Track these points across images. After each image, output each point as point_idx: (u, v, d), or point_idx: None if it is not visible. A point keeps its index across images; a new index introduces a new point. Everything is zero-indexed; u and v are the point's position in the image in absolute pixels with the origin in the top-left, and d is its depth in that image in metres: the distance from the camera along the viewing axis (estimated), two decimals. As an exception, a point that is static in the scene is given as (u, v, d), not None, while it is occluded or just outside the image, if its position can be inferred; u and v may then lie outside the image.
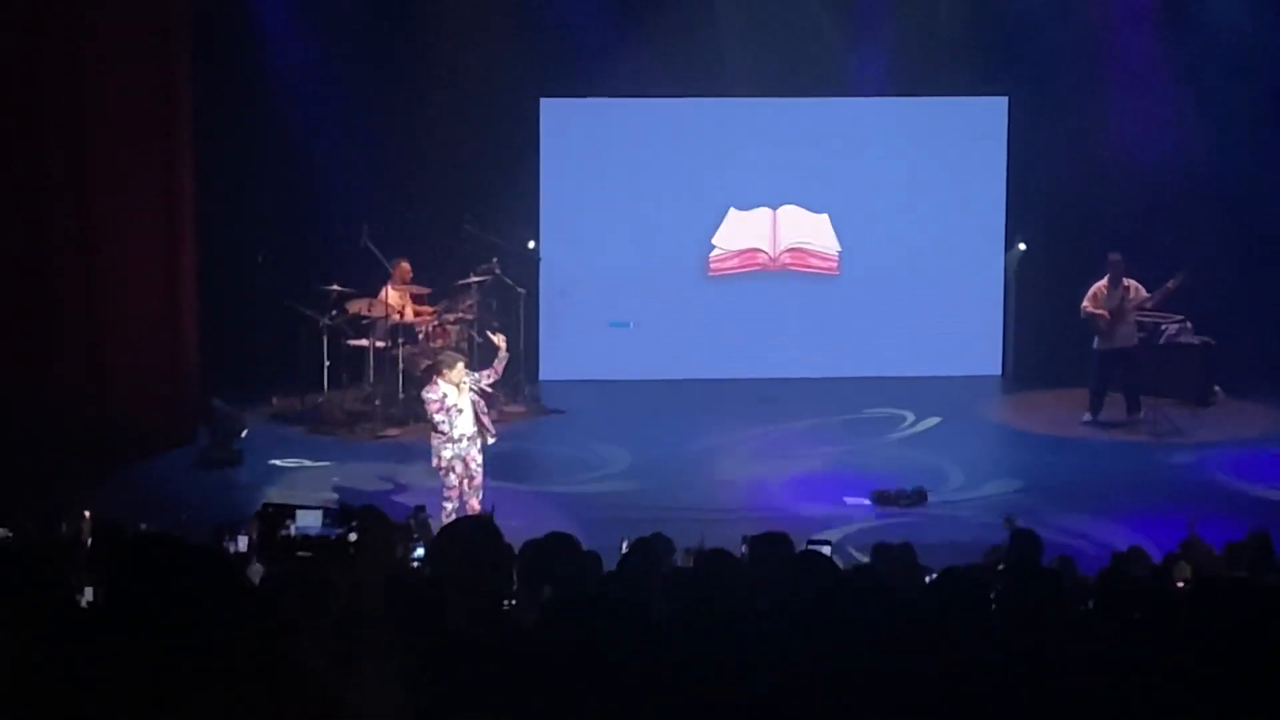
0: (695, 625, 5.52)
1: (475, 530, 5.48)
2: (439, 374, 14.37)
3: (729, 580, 6.78)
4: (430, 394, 14.24)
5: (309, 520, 11.71)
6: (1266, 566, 10.31)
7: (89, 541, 11.52)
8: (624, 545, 9.62)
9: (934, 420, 18.84)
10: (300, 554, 9.68)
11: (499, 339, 14.86)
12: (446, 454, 14.15)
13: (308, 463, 16.87)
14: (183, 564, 4.74)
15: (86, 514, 12.10)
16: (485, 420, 14.31)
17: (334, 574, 6.86)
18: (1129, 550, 11.39)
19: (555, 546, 7.22)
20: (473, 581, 5.26)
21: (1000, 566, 10.20)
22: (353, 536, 11.01)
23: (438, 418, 14.14)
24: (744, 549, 10.74)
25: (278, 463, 16.91)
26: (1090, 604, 8.10)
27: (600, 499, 15.76)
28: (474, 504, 14.14)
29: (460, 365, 14.38)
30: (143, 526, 12.12)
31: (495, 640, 5.18)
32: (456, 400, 14.17)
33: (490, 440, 14.32)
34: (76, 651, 4.77)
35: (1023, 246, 20.88)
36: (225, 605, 5.00)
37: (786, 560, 7.15)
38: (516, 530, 8.58)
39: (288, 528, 11.51)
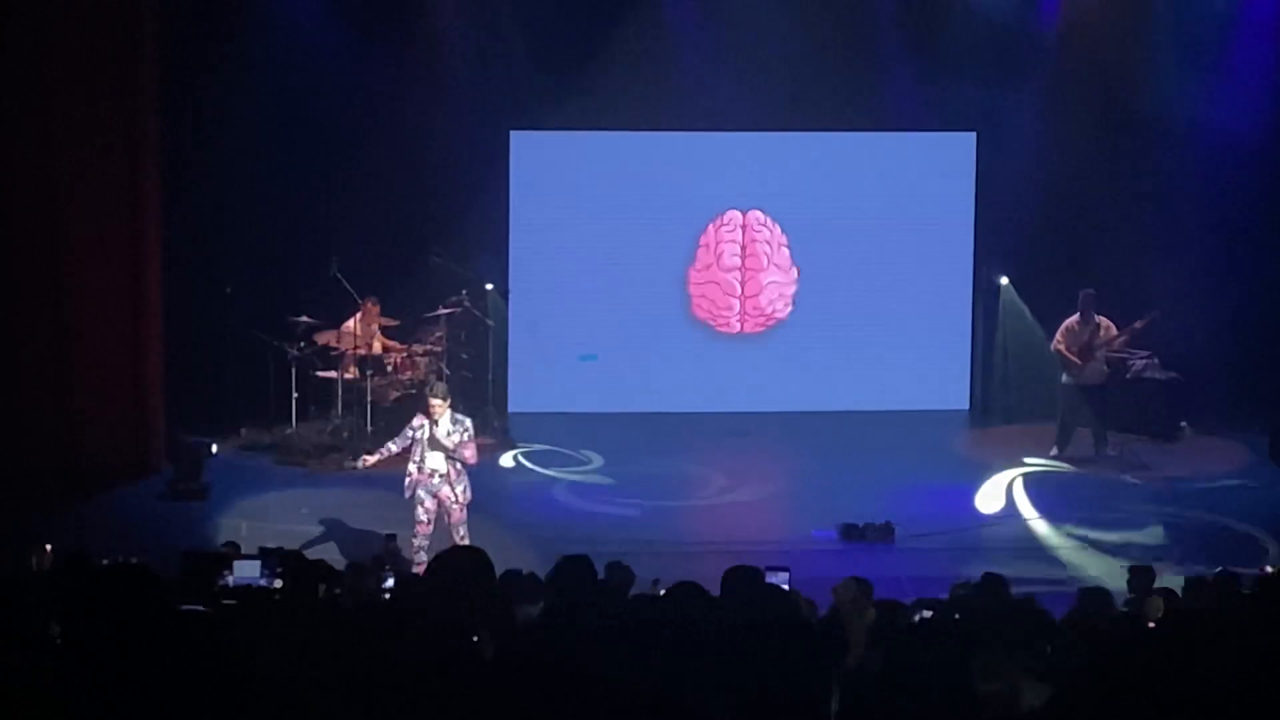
0: (663, 656, 5.53)
1: (467, 561, 5.49)
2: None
3: (698, 612, 6.78)
4: (415, 419, 14.32)
5: (247, 570, 11.62)
6: (1230, 600, 10.32)
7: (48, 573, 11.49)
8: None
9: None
10: (225, 602, 9.62)
11: (470, 451, 14.61)
12: (411, 475, 14.23)
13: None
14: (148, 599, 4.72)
15: (48, 547, 12.06)
16: (453, 475, 14.27)
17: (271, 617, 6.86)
18: (1090, 589, 11.40)
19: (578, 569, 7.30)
20: (461, 611, 5.28)
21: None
22: (278, 584, 10.98)
23: (408, 433, 14.29)
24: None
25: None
26: (1058, 643, 8.11)
27: (567, 530, 15.72)
28: (458, 538, 14.13)
29: (436, 401, 14.30)
30: (104, 561, 12.09)
31: (463, 670, 5.19)
32: (429, 434, 14.19)
33: (457, 508, 14.32)
34: (50, 685, 4.75)
35: (1005, 280, 20.83)
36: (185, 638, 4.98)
37: (757, 593, 7.15)
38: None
39: (225, 577, 11.42)
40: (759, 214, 21.09)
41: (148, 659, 4.73)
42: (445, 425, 14.27)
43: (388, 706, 5.26)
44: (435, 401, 14.31)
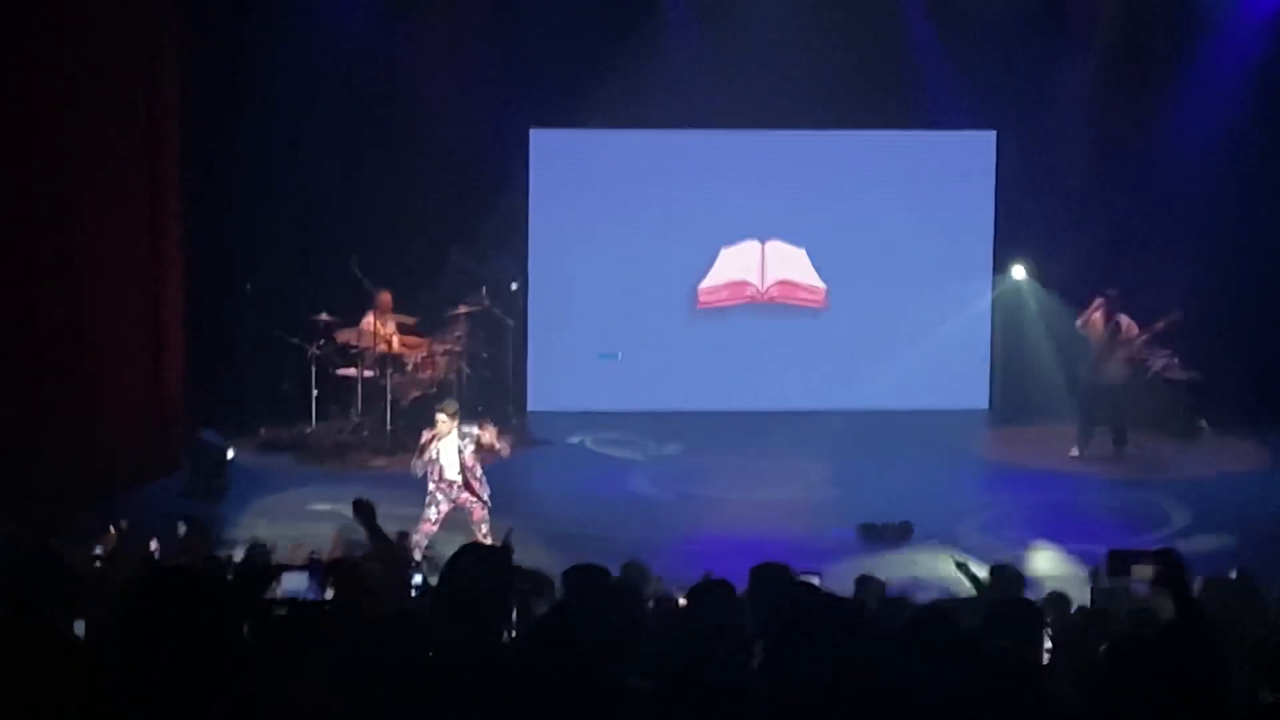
0: (690, 653, 5.54)
1: (487, 557, 5.50)
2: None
3: (724, 608, 6.78)
4: (426, 441, 14.34)
5: (294, 582, 11.55)
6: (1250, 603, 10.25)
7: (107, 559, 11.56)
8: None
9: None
10: (278, 612, 9.58)
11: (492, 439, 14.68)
12: (430, 484, 14.28)
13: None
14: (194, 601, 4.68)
15: (113, 530, 12.14)
16: (475, 486, 14.29)
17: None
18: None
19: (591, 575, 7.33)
20: (478, 608, 5.28)
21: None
22: (328, 594, 10.92)
23: (426, 459, 14.32)
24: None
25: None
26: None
27: (585, 529, 15.74)
28: (480, 535, 14.17)
29: (441, 416, 14.33)
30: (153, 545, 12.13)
31: (490, 667, 5.19)
32: (438, 445, 14.21)
33: (478, 506, 14.33)
34: (69, 687, 4.73)
35: (1021, 272, 20.75)
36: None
37: (786, 589, 7.14)
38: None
39: (273, 589, 11.36)
40: (778, 244, 21.10)
41: (190, 664, 4.70)
42: (454, 440, 14.33)
43: (415, 708, 5.26)
44: (440, 418, 14.42)
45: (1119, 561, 11.10)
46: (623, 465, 18.55)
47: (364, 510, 10.39)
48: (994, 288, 21.09)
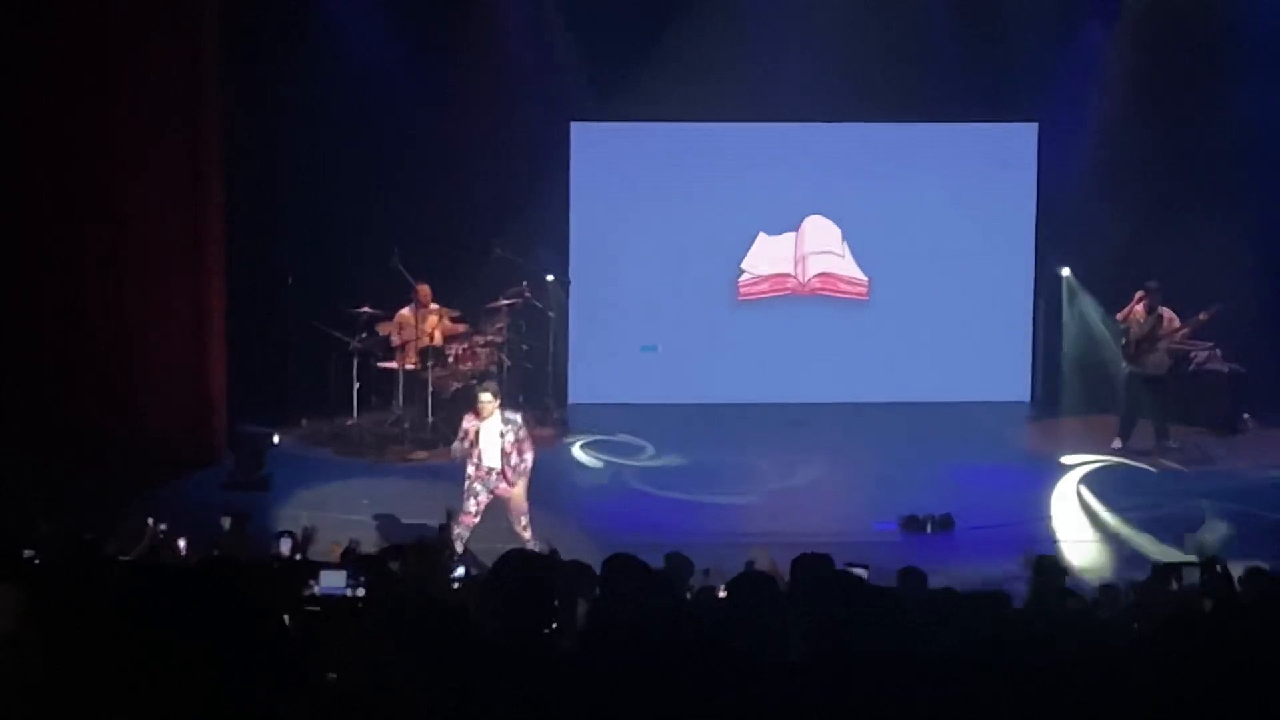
0: (733, 644, 5.54)
1: (531, 564, 5.51)
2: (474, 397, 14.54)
3: (767, 601, 6.77)
4: (465, 421, 14.37)
5: (333, 580, 11.57)
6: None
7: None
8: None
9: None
10: (309, 609, 9.60)
11: (527, 453, 14.59)
12: (470, 471, 14.28)
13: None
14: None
15: (150, 521, 12.19)
16: (509, 473, 14.27)
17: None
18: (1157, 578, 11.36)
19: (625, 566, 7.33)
20: (520, 610, 5.29)
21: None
22: (360, 591, 10.95)
23: (464, 442, 14.32)
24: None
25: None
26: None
27: (624, 521, 15.74)
28: (525, 536, 14.16)
29: (485, 397, 14.33)
30: (181, 544, 12.17)
31: (533, 666, 5.19)
32: (479, 430, 14.23)
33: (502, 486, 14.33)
34: (118, 670, 4.75)
35: (1066, 271, 20.68)
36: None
37: (828, 581, 7.13)
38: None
39: (310, 587, 11.39)
40: (819, 232, 21.07)
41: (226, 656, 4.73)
42: (495, 425, 14.28)
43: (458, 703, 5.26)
44: (484, 398, 14.31)
45: (1163, 572, 11.09)
46: (658, 457, 18.54)
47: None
48: (1036, 280, 21.04)
